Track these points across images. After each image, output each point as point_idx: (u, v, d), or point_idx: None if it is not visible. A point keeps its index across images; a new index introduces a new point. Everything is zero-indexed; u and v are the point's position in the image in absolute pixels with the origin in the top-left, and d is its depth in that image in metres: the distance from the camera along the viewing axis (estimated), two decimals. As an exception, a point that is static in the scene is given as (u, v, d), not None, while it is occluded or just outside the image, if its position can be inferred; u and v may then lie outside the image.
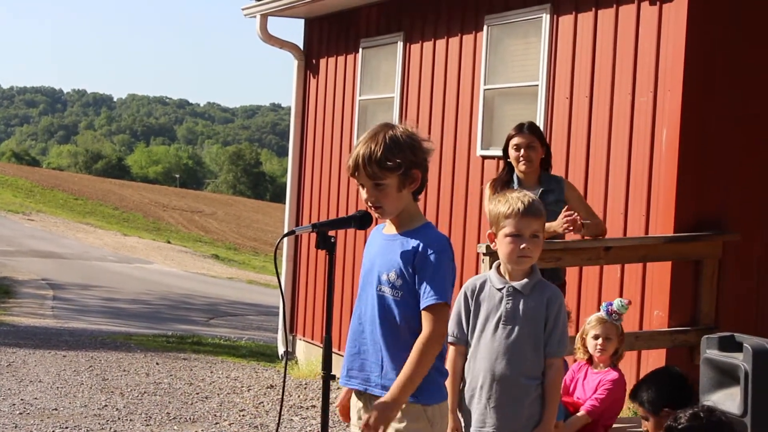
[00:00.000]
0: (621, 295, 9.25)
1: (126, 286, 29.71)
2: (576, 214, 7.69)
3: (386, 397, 4.49)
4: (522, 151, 7.91)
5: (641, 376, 8.64)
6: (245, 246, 55.55)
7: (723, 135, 8.87)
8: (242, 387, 12.46)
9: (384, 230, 4.74)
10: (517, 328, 4.82)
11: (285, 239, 15.10)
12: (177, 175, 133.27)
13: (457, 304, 5.05)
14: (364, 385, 4.66)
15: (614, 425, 8.71)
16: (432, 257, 4.53)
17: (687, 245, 8.71)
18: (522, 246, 4.87)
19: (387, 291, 4.59)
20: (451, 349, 5.01)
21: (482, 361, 4.89)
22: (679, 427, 4.66)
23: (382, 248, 4.67)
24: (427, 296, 4.51)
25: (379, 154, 4.53)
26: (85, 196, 68.00)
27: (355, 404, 4.74)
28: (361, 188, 4.64)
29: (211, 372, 13.57)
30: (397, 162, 4.53)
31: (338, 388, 4.82)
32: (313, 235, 4.63)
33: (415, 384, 4.51)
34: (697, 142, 8.78)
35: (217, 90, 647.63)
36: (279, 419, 4.69)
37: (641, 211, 9.06)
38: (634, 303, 9.10)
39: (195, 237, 56.72)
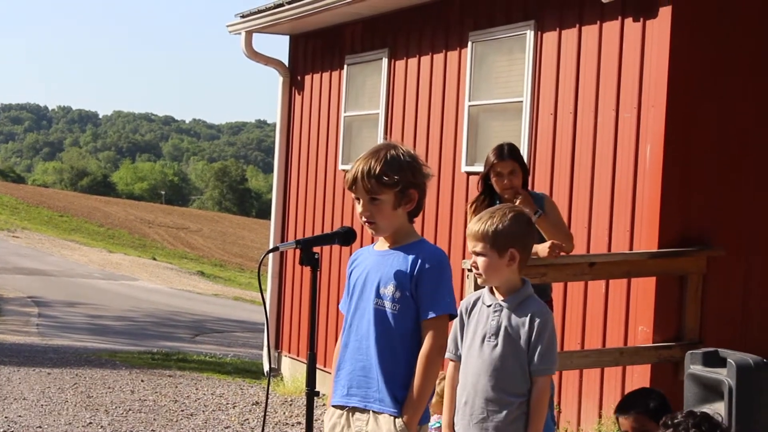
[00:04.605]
0: (606, 311, 9.27)
1: (111, 303, 29.64)
2: (563, 246, 7.77)
3: (404, 420, 4.54)
4: (504, 179, 7.90)
5: (626, 391, 8.65)
6: (231, 262, 55.48)
7: (707, 151, 8.90)
8: (227, 404, 12.44)
9: (376, 247, 4.76)
10: (500, 344, 4.81)
11: (270, 255, 15.09)
12: (162, 192, 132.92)
13: (455, 321, 5.06)
14: (364, 402, 4.67)
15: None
16: (431, 270, 4.59)
17: (671, 261, 8.73)
18: (471, 263, 4.91)
19: (386, 305, 4.61)
20: (449, 365, 5.02)
21: (467, 376, 4.89)
22: (675, 421, 4.63)
23: (376, 263, 4.69)
24: (427, 309, 4.56)
25: (378, 169, 4.59)
26: (71, 213, 67.83)
27: (335, 420, 4.74)
28: (357, 203, 4.68)
29: (197, 389, 13.55)
30: (395, 179, 4.58)
31: (323, 405, 4.81)
32: (298, 252, 4.64)
33: (426, 400, 4.58)
34: (681, 157, 8.81)
35: (203, 107, 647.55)
36: (263, 436, 4.66)
37: (626, 227, 9.08)
38: (618, 319, 9.12)
39: (180, 254, 56.62)
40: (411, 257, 4.62)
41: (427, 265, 4.58)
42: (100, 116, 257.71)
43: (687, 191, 8.84)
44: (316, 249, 4.64)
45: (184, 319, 27.75)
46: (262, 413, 11.83)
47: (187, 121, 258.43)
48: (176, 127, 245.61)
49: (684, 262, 8.75)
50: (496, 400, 4.79)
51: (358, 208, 4.69)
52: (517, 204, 7.51)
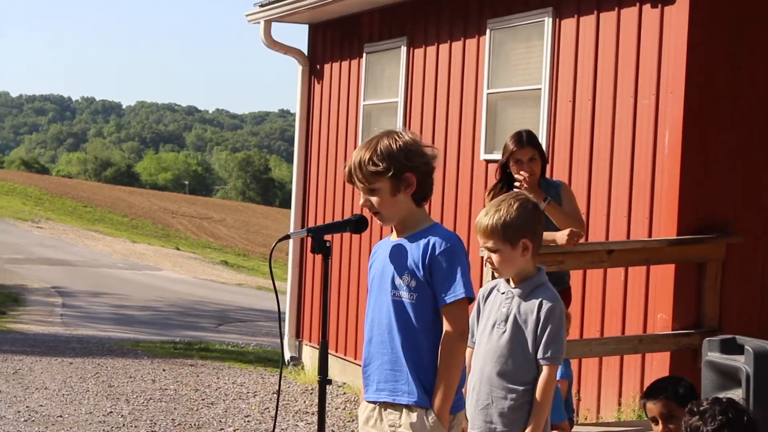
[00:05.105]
0: (625, 298, 9.25)
1: (135, 293, 29.71)
2: (582, 234, 7.76)
3: (435, 411, 4.52)
4: (524, 166, 7.89)
5: (645, 379, 8.64)
6: (254, 252, 55.53)
7: (726, 136, 8.86)
8: (248, 393, 12.46)
9: (392, 238, 4.75)
10: (507, 332, 4.79)
11: (291, 245, 15.11)
12: (186, 182, 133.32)
13: (473, 308, 5.04)
14: (393, 395, 4.64)
15: (621, 429, 8.72)
16: (444, 255, 4.54)
17: (690, 248, 8.70)
18: (486, 258, 4.88)
19: (403, 295, 4.58)
20: (467, 351, 5.01)
21: (476, 362, 4.88)
22: (701, 408, 4.60)
23: (391, 254, 4.66)
24: (443, 295, 4.52)
25: (367, 158, 4.57)
26: (94, 204, 68.04)
27: (369, 413, 4.73)
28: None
29: (218, 378, 13.58)
30: (385, 166, 4.54)
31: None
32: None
33: (455, 388, 4.55)
34: (700, 144, 8.77)
35: (226, 97, 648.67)
36: (274, 426, 4.66)
37: (644, 214, 9.04)
38: (638, 306, 9.10)
39: (204, 243, 56.72)
40: (422, 244, 4.57)
41: (439, 250, 4.54)
42: (124, 107, 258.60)
43: (706, 177, 8.80)
44: (328, 237, 4.63)
45: (208, 308, 27.79)
46: (284, 402, 11.86)
47: (210, 111, 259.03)
48: (199, 117, 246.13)
49: (703, 249, 8.72)
50: (501, 387, 4.77)
51: (360, 199, 4.68)
52: (523, 190, 7.49)
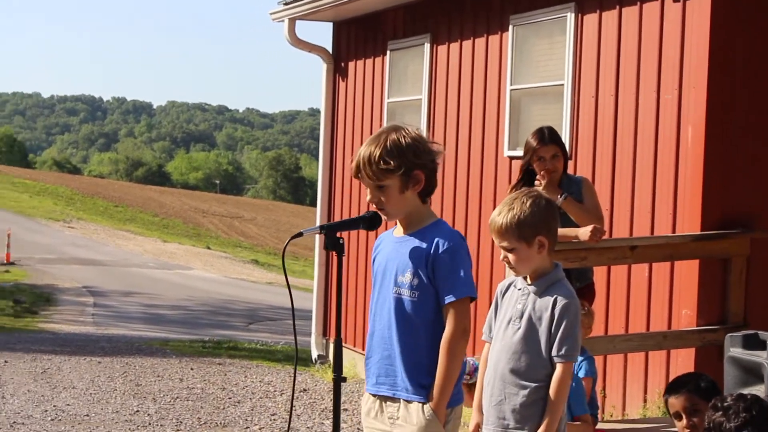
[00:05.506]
0: (650, 294, 9.20)
1: (166, 292, 29.80)
2: (604, 231, 7.75)
3: (431, 405, 4.54)
4: (547, 164, 7.87)
5: (670, 375, 8.59)
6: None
7: (749, 131, 8.81)
8: (275, 391, 12.49)
9: (394, 233, 4.74)
10: (521, 328, 4.75)
11: (317, 244, 15.12)
12: (217, 181, 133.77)
13: (492, 303, 5.02)
14: (392, 390, 4.67)
15: (646, 425, 8.68)
16: (446, 253, 4.54)
17: (714, 243, 8.64)
18: (501, 258, 4.83)
19: (404, 293, 4.59)
20: (484, 347, 4.99)
21: (491, 358, 4.86)
22: (725, 404, 4.57)
23: (394, 250, 4.67)
24: (446, 293, 4.53)
25: (377, 155, 4.55)
26: (125, 203, 68.34)
27: (371, 405, 4.76)
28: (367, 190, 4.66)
29: (245, 377, 13.61)
30: (396, 164, 4.53)
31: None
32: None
33: (452, 384, 4.56)
34: (723, 138, 8.72)
35: (256, 96, 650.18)
36: (289, 424, 4.67)
37: (668, 210, 9.00)
38: (662, 302, 9.05)
39: (234, 242, 56.89)
40: (426, 242, 4.57)
41: (442, 249, 4.54)
42: (155, 107, 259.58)
43: (729, 172, 8.75)
44: (341, 234, 4.63)
45: (239, 307, 27.84)
46: (311, 400, 11.87)
47: (240, 111, 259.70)
48: (230, 117, 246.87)
49: (727, 245, 8.66)
50: (514, 384, 4.74)
51: (367, 195, 4.67)
52: (541, 188, 7.47)
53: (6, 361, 13.89)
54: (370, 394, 4.79)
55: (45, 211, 59.70)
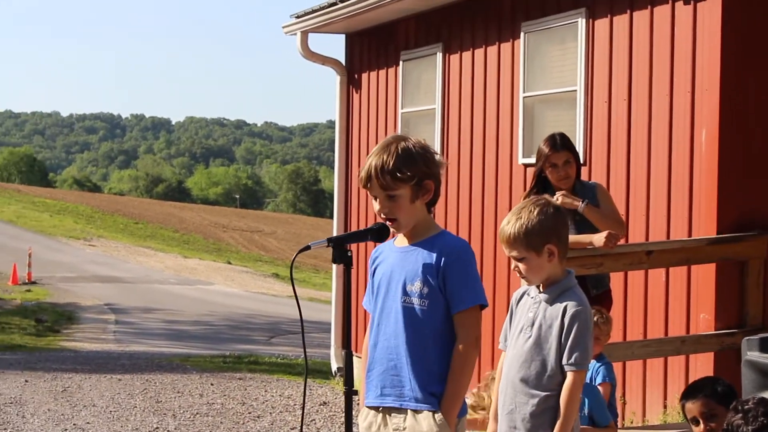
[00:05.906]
0: (667, 299, 9.15)
1: (188, 308, 29.81)
2: (620, 236, 7.71)
3: (443, 413, 4.51)
4: (560, 170, 7.84)
5: (690, 380, 8.53)
6: (305, 264, 55.56)
7: (763, 132, 8.76)
8: (295, 405, 12.46)
9: (396, 243, 4.70)
10: (532, 336, 4.72)
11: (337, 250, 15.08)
12: (237, 196, 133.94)
13: (508, 312, 5.00)
14: (399, 400, 4.63)
15: (667, 431, 8.61)
16: (456, 263, 4.54)
17: (731, 246, 8.59)
18: (513, 267, 4.80)
19: (414, 302, 4.56)
20: (501, 355, 4.97)
21: (505, 366, 4.83)
22: (745, 407, 4.52)
23: (400, 260, 4.64)
24: (457, 302, 4.50)
25: (391, 164, 4.52)
26: (145, 220, 68.44)
27: (371, 419, 4.71)
28: (374, 200, 4.62)
29: (265, 391, 13.59)
30: (409, 174, 4.51)
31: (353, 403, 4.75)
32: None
33: (464, 393, 4.54)
34: (737, 140, 8.67)
35: (274, 109, 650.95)
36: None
37: (684, 213, 8.95)
38: (680, 307, 8.99)
39: (255, 257, 56.89)
40: (435, 251, 4.56)
41: (452, 258, 4.53)
42: (173, 123, 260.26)
43: (744, 174, 8.70)
44: (349, 246, 4.60)
45: (260, 321, 27.84)
46: (330, 413, 11.84)
47: (258, 125, 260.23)
48: (248, 131, 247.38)
49: (744, 247, 8.60)
50: (523, 392, 4.71)
51: (375, 205, 4.62)
52: (559, 200, 7.42)
53: (27, 381, 13.91)
54: (370, 407, 4.74)
55: (66, 229, 59.83)
